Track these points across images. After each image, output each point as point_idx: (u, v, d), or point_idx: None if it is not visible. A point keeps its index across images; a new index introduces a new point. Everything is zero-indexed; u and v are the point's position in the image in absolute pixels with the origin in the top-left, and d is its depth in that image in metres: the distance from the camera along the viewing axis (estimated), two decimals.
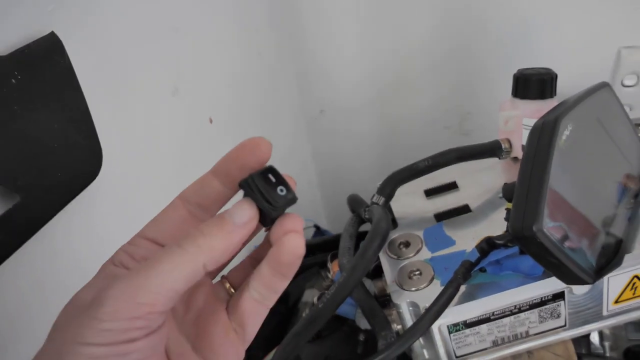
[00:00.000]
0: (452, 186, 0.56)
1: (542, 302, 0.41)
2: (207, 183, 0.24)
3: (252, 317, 0.24)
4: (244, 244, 0.24)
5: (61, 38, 0.32)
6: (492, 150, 0.56)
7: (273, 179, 0.23)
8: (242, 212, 0.22)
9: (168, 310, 0.20)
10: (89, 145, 0.35)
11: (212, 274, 0.27)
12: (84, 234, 0.36)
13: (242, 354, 0.24)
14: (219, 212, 0.23)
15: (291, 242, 0.23)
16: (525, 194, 0.32)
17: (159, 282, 0.19)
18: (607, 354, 0.50)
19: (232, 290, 0.26)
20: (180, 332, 0.24)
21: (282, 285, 0.24)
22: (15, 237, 0.30)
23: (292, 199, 0.23)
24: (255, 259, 0.26)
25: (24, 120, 0.29)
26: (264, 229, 0.25)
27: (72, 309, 0.21)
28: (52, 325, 0.21)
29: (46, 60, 0.31)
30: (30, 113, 0.30)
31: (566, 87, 0.55)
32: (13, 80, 0.28)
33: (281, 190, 0.23)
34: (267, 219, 0.23)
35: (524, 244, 0.32)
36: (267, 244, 0.25)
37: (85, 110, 0.34)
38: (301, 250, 0.23)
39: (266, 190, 0.23)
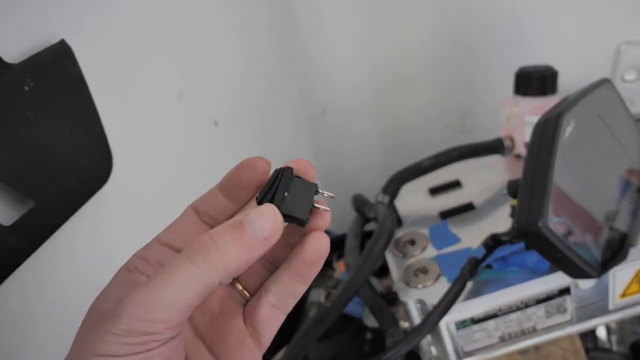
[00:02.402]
0: (455, 184, 0.56)
1: (548, 297, 0.41)
2: (215, 196, 0.25)
3: (268, 323, 0.24)
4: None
5: (71, 45, 0.32)
6: (494, 147, 0.57)
7: (285, 176, 0.22)
8: (263, 223, 0.20)
9: (184, 321, 0.20)
10: (100, 149, 0.35)
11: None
12: (91, 238, 0.36)
13: (259, 359, 0.24)
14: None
15: (315, 240, 0.22)
16: (530, 190, 0.32)
17: (172, 300, 0.19)
18: (614, 348, 0.51)
19: (246, 293, 0.25)
20: (196, 335, 0.24)
21: (302, 289, 0.23)
22: (29, 242, 0.30)
23: (315, 185, 0.23)
24: (267, 260, 0.26)
25: (36, 126, 0.30)
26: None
27: (90, 321, 0.21)
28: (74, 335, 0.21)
29: (57, 67, 0.31)
30: (43, 119, 0.30)
31: (567, 84, 0.55)
32: (25, 88, 0.29)
33: (299, 177, 0.23)
34: (298, 219, 0.22)
35: (530, 239, 0.32)
36: (282, 244, 0.25)
37: (95, 115, 0.35)
38: (326, 248, 0.22)
39: (285, 185, 0.22)
